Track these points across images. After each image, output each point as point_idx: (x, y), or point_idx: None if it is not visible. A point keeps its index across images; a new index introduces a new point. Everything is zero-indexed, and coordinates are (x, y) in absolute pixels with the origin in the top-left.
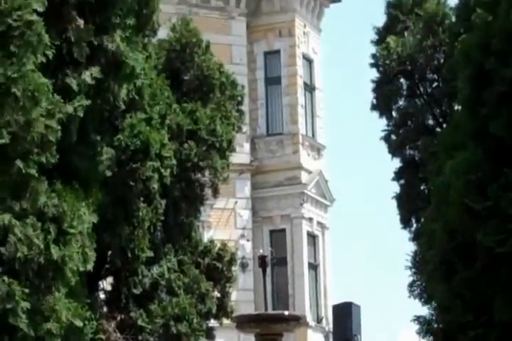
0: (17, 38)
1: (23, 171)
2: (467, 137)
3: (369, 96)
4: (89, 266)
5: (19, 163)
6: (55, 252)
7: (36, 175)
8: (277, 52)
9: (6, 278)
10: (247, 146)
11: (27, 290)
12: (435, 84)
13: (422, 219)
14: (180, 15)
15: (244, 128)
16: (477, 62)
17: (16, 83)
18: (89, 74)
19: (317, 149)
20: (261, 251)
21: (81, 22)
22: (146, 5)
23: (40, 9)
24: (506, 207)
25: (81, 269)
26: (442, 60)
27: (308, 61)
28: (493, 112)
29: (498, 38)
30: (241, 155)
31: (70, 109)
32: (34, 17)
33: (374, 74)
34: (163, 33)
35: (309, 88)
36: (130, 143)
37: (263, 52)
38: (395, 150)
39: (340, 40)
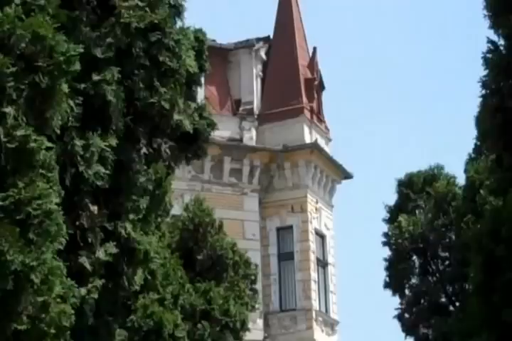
0: (36, 226)
1: None
2: (480, 324)
3: (382, 272)
4: None
5: None
6: None
7: None
8: (290, 227)
9: None
10: (260, 322)
11: None
12: (447, 262)
13: None
14: (193, 192)
15: (257, 305)
16: (488, 249)
17: (34, 270)
18: (104, 251)
19: (331, 325)
20: None
21: (94, 208)
22: (158, 186)
23: (57, 200)
24: None
25: None
26: (454, 238)
27: (321, 236)
28: (505, 299)
29: (508, 225)
30: (254, 331)
31: (83, 291)
32: (53, 206)
33: (386, 252)
34: (176, 208)
35: (322, 263)
36: (143, 323)
37: (276, 227)
38: (408, 329)
39: (353, 215)
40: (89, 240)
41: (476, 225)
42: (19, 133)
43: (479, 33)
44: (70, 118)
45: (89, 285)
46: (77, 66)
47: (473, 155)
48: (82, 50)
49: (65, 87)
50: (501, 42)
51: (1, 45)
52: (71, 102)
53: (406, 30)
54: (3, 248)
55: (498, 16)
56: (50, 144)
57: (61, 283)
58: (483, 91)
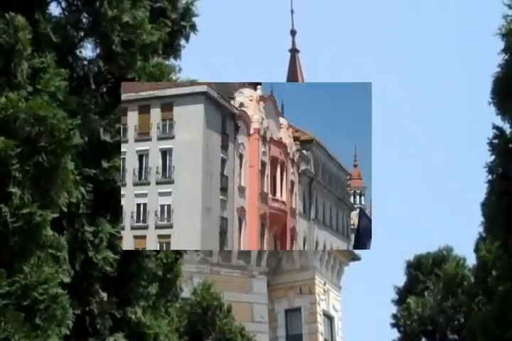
0: (42, 311)
1: None
2: None
3: None
4: None
5: None
6: None
7: None
8: (298, 309)
9: None
10: None
11: None
12: None
13: None
14: (202, 275)
15: None
16: (494, 334)
17: None
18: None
19: None
20: None
21: (104, 295)
22: (169, 271)
23: (67, 280)
24: None
25: None
26: (463, 320)
27: (329, 318)
28: None
29: None
30: None
31: None
32: (59, 290)
33: (395, 334)
34: (184, 291)
35: None
36: None
37: (284, 309)
38: None
39: (361, 296)
40: (98, 326)
41: (487, 306)
42: (24, 211)
43: (485, 121)
44: (81, 205)
45: None
46: (78, 140)
47: (483, 235)
48: (79, 122)
49: (70, 165)
50: (507, 126)
51: (7, 129)
52: (82, 189)
53: (412, 119)
54: (9, 334)
55: (504, 102)
56: (55, 215)
57: None
58: (490, 177)
